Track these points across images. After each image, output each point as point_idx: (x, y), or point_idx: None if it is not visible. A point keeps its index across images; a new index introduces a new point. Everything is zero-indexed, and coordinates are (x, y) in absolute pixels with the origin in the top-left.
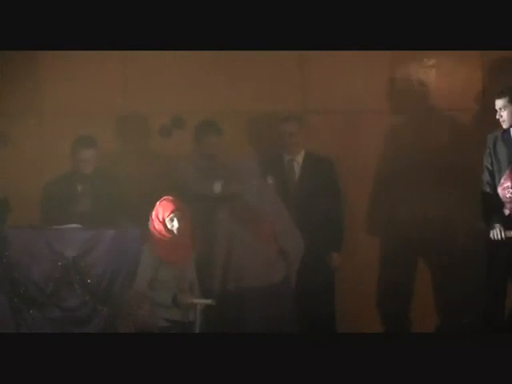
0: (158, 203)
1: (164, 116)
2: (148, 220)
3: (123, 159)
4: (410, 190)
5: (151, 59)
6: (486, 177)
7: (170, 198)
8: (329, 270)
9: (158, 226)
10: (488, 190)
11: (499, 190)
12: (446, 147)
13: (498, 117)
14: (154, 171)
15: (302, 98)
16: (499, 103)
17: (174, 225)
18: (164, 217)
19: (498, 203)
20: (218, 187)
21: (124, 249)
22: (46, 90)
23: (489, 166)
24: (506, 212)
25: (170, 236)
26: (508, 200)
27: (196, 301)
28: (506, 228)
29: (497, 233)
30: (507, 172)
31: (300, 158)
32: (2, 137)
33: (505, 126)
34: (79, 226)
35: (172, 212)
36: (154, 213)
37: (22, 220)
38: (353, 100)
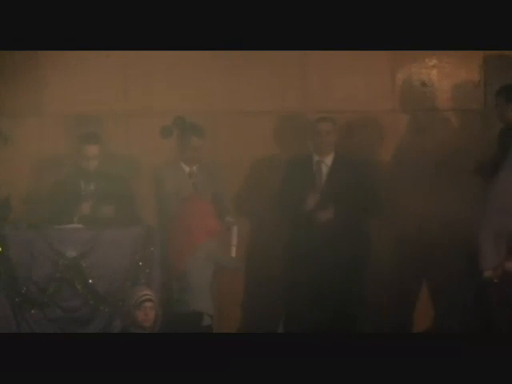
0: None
1: (164, 116)
2: (146, 219)
3: (123, 159)
4: (410, 189)
5: (151, 59)
6: (487, 175)
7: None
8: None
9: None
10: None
11: None
12: (447, 147)
13: (500, 114)
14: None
15: (302, 98)
16: (501, 101)
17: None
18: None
19: None
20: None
21: (125, 249)
22: (46, 90)
23: (489, 163)
24: None
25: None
26: None
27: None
28: None
29: None
30: None
31: (329, 160)
32: (2, 136)
33: (504, 124)
34: (80, 225)
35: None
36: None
37: (23, 220)
38: (353, 100)
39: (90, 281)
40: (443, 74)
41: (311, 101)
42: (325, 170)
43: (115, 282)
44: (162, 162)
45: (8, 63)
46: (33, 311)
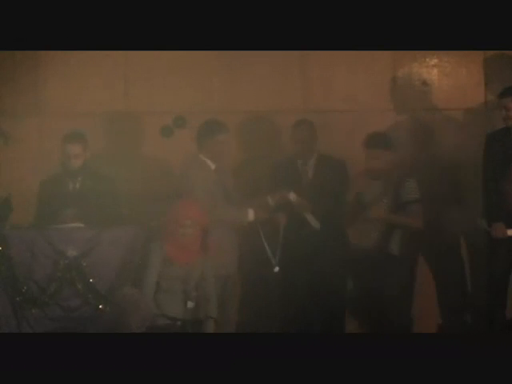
0: (177, 204)
1: (165, 116)
2: (148, 219)
3: (124, 159)
4: None
5: (151, 59)
6: (488, 175)
7: (190, 201)
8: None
9: (171, 227)
10: (489, 188)
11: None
12: (447, 147)
13: (504, 115)
14: (155, 171)
15: (302, 98)
16: (505, 102)
17: (186, 231)
18: (179, 220)
19: (500, 201)
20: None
21: (126, 248)
22: (46, 90)
23: (490, 163)
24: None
25: (179, 239)
26: None
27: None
28: (508, 226)
29: (499, 231)
30: None
31: (312, 162)
32: (3, 136)
33: (510, 124)
34: (81, 225)
35: (187, 218)
36: (170, 213)
37: (24, 219)
38: (354, 100)
39: (91, 280)
40: (444, 73)
41: (311, 101)
42: (310, 171)
43: (116, 282)
44: (187, 159)
45: (8, 63)
46: (33, 310)
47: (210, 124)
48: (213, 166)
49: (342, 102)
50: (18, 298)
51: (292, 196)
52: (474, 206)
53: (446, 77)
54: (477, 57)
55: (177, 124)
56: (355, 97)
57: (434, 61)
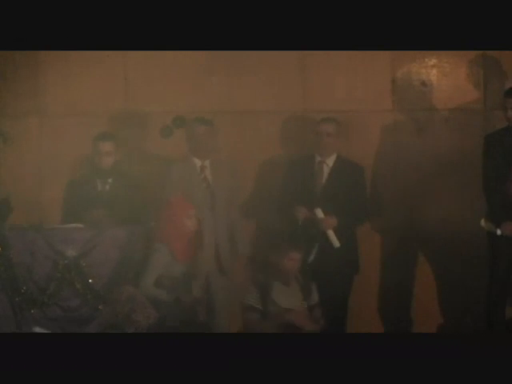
0: (171, 201)
1: (165, 116)
2: (149, 220)
3: (123, 159)
4: (410, 189)
5: (151, 59)
6: (489, 175)
7: (181, 198)
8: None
9: (173, 224)
10: (491, 188)
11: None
12: (447, 147)
13: (509, 115)
14: (154, 171)
15: (302, 98)
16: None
17: (192, 222)
18: (184, 212)
19: (505, 201)
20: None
21: (125, 248)
22: (46, 90)
23: (490, 164)
24: None
25: (186, 233)
26: None
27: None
28: None
29: (508, 230)
30: None
31: (331, 161)
32: (2, 137)
33: None
34: (80, 225)
35: (190, 208)
36: (168, 211)
37: (23, 220)
38: (353, 100)
39: (90, 280)
40: (443, 73)
41: (311, 101)
42: (326, 170)
43: (115, 282)
44: (174, 157)
45: (8, 63)
46: (33, 311)
47: (193, 119)
48: (199, 164)
49: (341, 102)
50: (17, 299)
51: (318, 212)
52: (473, 206)
53: (445, 77)
54: (476, 57)
55: (176, 124)
56: (355, 97)
57: (433, 61)
